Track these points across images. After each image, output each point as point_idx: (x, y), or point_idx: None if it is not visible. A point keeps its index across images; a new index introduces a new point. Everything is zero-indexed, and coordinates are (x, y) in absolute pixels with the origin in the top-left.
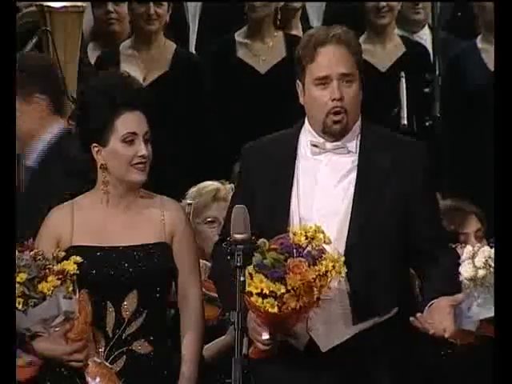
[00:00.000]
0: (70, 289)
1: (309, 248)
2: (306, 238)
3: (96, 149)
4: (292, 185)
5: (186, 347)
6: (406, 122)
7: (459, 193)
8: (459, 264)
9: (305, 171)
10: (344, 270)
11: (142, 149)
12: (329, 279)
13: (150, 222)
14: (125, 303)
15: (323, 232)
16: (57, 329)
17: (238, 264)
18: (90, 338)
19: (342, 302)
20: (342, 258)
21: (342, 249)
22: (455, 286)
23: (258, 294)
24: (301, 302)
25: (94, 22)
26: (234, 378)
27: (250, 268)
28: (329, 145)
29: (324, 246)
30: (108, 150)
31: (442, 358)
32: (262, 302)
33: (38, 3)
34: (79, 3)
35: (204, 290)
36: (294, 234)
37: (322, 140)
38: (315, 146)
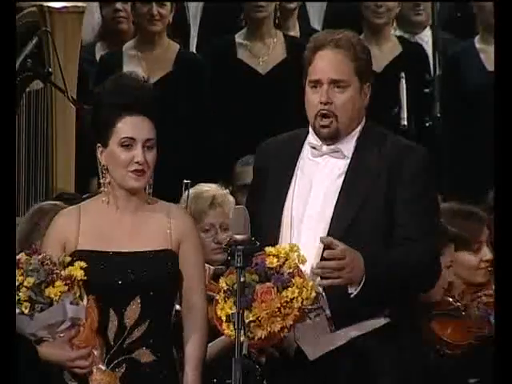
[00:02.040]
0: (78, 295)
1: (284, 269)
2: (278, 260)
3: (100, 149)
4: (289, 186)
5: (190, 354)
6: (405, 123)
7: (459, 193)
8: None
9: (303, 173)
10: (313, 294)
11: (139, 155)
12: (295, 306)
13: (157, 228)
14: (127, 310)
15: (298, 251)
16: (62, 334)
17: (239, 265)
18: (96, 345)
19: (326, 310)
20: (311, 283)
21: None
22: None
23: (227, 321)
24: (265, 331)
25: (101, 21)
26: (234, 378)
27: (222, 292)
28: (325, 148)
29: (301, 265)
30: (108, 152)
31: (442, 357)
32: (230, 330)
33: (38, 3)
34: (79, 3)
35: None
36: (268, 255)
37: (319, 142)
38: (314, 148)
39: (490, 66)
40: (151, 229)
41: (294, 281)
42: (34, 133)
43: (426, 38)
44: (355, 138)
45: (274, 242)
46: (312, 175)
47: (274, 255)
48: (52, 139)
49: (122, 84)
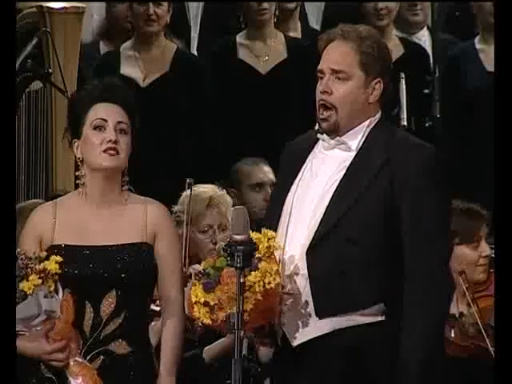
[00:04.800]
0: (52, 288)
1: (258, 254)
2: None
3: (76, 144)
4: (295, 178)
5: (165, 347)
6: (405, 123)
7: (458, 193)
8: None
9: (311, 165)
10: (277, 280)
11: (112, 134)
12: (256, 290)
13: (132, 222)
14: (103, 303)
15: (272, 237)
16: (38, 328)
17: (238, 265)
18: (72, 338)
19: (309, 298)
20: (275, 268)
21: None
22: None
23: (196, 303)
24: (225, 314)
25: (107, 20)
26: (233, 379)
27: (194, 274)
28: (332, 141)
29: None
30: (82, 140)
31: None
32: (199, 312)
33: (37, 4)
34: (79, 4)
35: None
36: None
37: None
38: (324, 140)
39: (489, 66)
40: (126, 222)
41: (259, 265)
42: (33, 133)
43: (423, 38)
44: (362, 132)
45: (273, 229)
46: (318, 167)
47: None
48: (52, 139)
49: (96, 83)
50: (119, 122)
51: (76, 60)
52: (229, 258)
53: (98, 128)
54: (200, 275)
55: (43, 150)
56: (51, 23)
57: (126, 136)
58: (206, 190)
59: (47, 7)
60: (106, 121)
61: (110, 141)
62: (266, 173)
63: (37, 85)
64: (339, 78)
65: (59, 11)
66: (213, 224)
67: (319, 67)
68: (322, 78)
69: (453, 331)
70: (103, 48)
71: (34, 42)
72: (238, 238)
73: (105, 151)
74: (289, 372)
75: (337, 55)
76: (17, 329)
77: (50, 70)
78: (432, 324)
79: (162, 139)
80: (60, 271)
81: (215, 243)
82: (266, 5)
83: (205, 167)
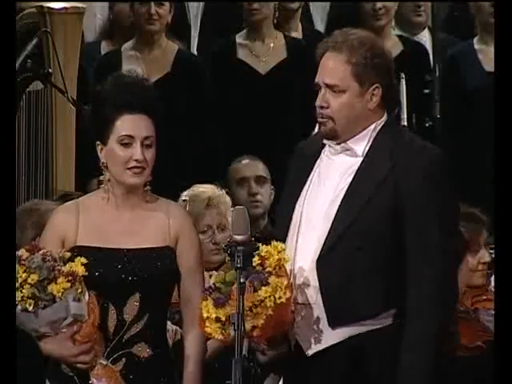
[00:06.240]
0: (79, 291)
1: (269, 268)
2: (260, 258)
3: (99, 147)
4: (304, 185)
5: (189, 349)
6: (405, 123)
7: (458, 194)
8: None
9: (319, 171)
10: (288, 294)
11: (138, 153)
12: (267, 305)
13: (155, 225)
14: (127, 306)
15: (281, 250)
16: (64, 330)
17: (238, 265)
18: (97, 340)
19: (321, 307)
20: (285, 282)
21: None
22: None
23: (208, 319)
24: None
25: (109, 20)
26: (234, 380)
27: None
28: (338, 146)
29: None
30: (107, 149)
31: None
32: (211, 327)
33: (37, 4)
34: (79, 4)
35: None
36: None
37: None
38: (330, 146)
39: (487, 66)
40: (150, 226)
41: (269, 280)
42: (34, 133)
43: (424, 38)
44: (368, 137)
45: (283, 239)
46: (326, 173)
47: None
48: (52, 139)
49: (121, 82)
50: (146, 138)
51: (76, 60)
52: (229, 259)
53: (125, 144)
54: (210, 290)
55: (43, 150)
56: (51, 23)
57: (151, 149)
58: (206, 190)
59: (47, 7)
60: (132, 137)
61: (136, 160)
62: (249, 167)
63: (37, 85)
64: (334, 91)
65: (59, 11)
66: (212, 224)
67: (315, 80)
68: (319, 90)
69: (463, 330)
70: (104, 48)
71: (34, 42)
72: (238, 238)
73: (130, 169)
74: (301, 377)
75: (329, 69)
76: (43, 331)
77: (50, 70)
78: (434, 330)
79: (162, 139)
80: (86, 273)
81: (215, 243)
82: (256, 5)
83: (205, 167)
